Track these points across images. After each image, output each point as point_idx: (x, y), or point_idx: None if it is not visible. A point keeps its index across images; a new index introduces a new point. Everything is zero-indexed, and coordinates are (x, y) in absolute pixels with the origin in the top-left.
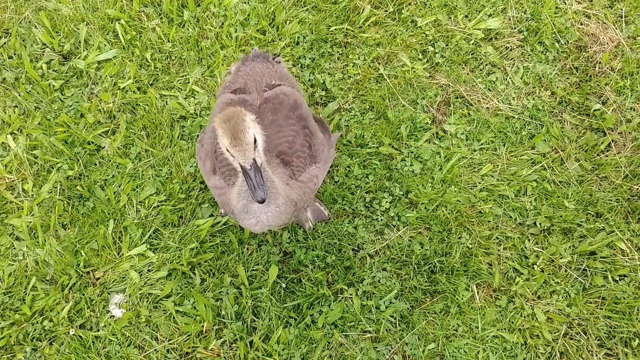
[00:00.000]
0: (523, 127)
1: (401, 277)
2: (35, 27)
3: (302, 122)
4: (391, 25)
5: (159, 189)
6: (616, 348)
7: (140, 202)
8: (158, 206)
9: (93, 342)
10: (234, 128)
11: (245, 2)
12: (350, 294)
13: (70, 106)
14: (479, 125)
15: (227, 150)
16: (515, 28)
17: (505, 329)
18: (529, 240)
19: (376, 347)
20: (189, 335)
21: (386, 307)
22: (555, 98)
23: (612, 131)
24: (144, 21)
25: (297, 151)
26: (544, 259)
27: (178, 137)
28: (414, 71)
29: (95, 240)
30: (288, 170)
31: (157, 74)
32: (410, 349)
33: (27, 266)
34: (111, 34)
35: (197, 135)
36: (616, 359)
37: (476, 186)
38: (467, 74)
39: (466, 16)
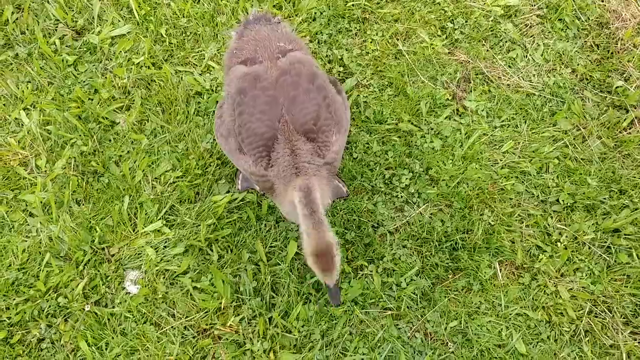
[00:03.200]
0: (544, 104)
1: (422, 254)
2: (48, 2)
3: (323, 92)
4: (409, 1)
5: (175, 165)
6: None
7: (155, 178)
8: (174, 182)
9: (108, 318)
10: (327, 264)
11: None
12: (371, 271)
13: (84, 82)
14: (499, 102)
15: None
16: (535, 5)
17: (528, 306)
18: (551, 217)
19: (397, 325)
20: (206, 312)
21: (407, 284)
22: (576, 75)
23: (635, 108)
24: None
25: (322, 126)
26: (567, 236)
27: (194, 113)
28: (433, 47)
29: (110, 217)
30: (315, 146)
31: (172, 50)
32: (432, 327)
33: (41, 242)
34: (125, 9)
35: (213, 111)
36: None
37: (497, 163)
38: (487, 50)
39: None
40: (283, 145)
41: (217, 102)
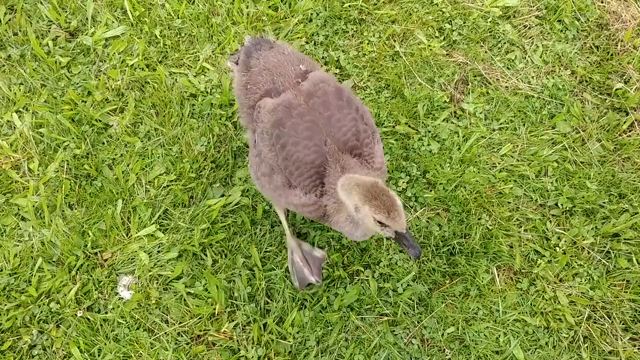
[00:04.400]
0: (543, 106)
1: (419, 259)
2: (41, 3)
3: (354, 104)
4: (407, 2)
5: (169, 168)
6: None
7: (149, 181)
8: (168, 186)
9: (101, 324)
10: (387, 203)
11: None
12: (367, 276)
13: (78, 84)
14: (498, 104)
15: (380, 223)
16: (533, 6)
17: (526, 312)
18: (550, 221)
19: (394, 331)
20: (200, 318)
21: (404, 290)
22: (576, 77)
23: (635, 110)
24: None
25: (364, 139)
26: (566, 240)
27: (188, 115)
28: (431, 49)
29: (103, 221)
30: (363, 161)
31: (167, 51)
32: (429, 333)
33: (33, 247)
34: (119, 10)
35: (208, 113)
36: None
37: (496, 166)
38: (485, 52)
39: None
40: (334, 168)
41: (211, 104)
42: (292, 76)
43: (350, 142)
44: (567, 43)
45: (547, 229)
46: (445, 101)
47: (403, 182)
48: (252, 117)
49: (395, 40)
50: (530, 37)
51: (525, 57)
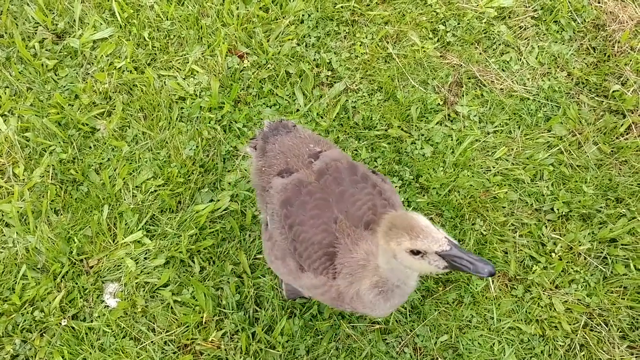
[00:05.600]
0: (539, 109)
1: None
2: (28, 4)
3: (370, 180)
4: (400, 3)
5: (157, 173)
6: (639, 340)
7: (136, 186)
8: (155, 191)
9: (86, 333)
10: (403, 225)
11: None
12: None
13: (64, 87)
14: (492, 107)
15: (413, 252)
16: (529, 6)
17: (521, 319)
18: (546, 226)
19: (385, 339)
20: (187, 327)
21: None
22: (572, 79)
23: (632, 113)
24: None
25: (382, 214)
26: (562, 246)
27: (177, 118)
28: (424, 51)
29: (89, 227)
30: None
31: (155, 54)
32: (422, 341)
33: (17, 254)
34: (107, 12)
35: (197, 117)
36: (639, 351)
37: (490, 170)
38: (480, 53)
39: None
40: (344, 245)
41: (200, 107)
42: (304, 156)
43: (366, 216)
44: (563, 44)
45: (542, 234)
46: (439, 104)
47: (395, 187)
48: (264, 198)
49: (388, 42)
50: (525, 38)
51: (520, 59)
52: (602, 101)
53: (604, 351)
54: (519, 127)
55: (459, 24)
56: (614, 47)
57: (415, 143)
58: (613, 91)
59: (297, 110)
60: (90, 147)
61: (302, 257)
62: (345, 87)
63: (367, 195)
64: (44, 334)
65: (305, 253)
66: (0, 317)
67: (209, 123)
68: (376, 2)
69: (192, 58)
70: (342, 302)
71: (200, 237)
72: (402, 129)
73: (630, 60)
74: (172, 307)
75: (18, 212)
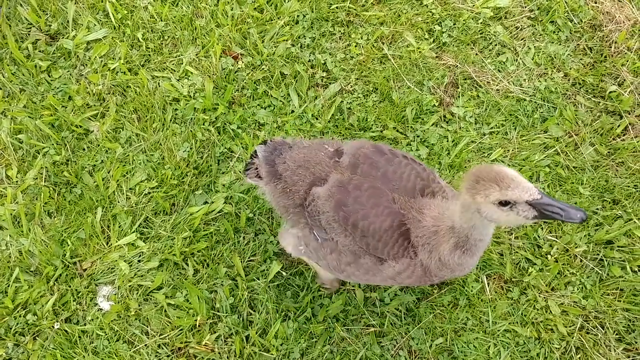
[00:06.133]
0: (535, 110)
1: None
2: (21, 5)
3: (399, 153)
4: (395, 3)
5: (150, 175)
6: (636, 342)
7: (130, 188)
8: (149, 193)
9: (79, 336)
10: (490, 177)
11: None
12: (353, 286)
13: (58, 88)
14: (488, 108)
15: (502, 204)
16: (525, 6)
17: (517, 322)
18: (542, 228)
19: (380, 342)
20: (181, 330)
21: (391, 300)
22: (569, 79)
23: (629, 114)
24: None
25: (428, 176)
26: (558, 248)
27: (171, 120)
28: (420, 51)
29: (83, 229)
30: (438, 197)
31: (149, 55)
32: (417, 344)
33: (10, 256)
34: (101, 13)
35: (191, 118)
36: (636, 354)
37: None
38: (476, 54)
39: None
40: (413, 217)
41: (195, 108)
42: (327, 160)
43: (418, 184)
44: (559, 45)
45: (538, 237)
46: (435, 105)
47: None
48: (303, 214)
49: (383, 43)
50: (522, 39)
51: (516, 59)
52: (599, 102)
53: (600, 354)
54: (515, 128)
55: (454, 24)
56: (610, 47)
57: (410, 144)
58: (610, 92)
59: (292, 111)
60: (83, 149)
61: (378, 249)
62: (341, 88)
63: (407, 166)
64: (36, 337)
65: (380, 243)
66: None
67: (203, 124)
68: (371, 3)
69: (186, 59)
70: (429, 277)
71: (194, 239)
72: (397, 130)
73: (627, 61)
74: (165, 310)
75: (11, 214)
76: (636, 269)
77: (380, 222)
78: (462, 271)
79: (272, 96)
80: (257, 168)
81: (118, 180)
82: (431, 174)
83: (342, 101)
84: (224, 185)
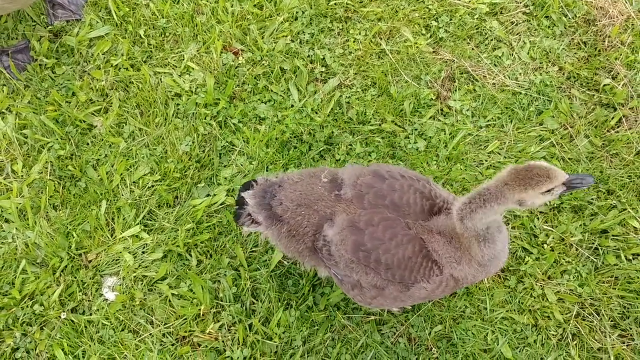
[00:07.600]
0: (530, 103)
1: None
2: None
3: (396, 171)
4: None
5: (154, 169)
6: (630, 329)
7: (134, 182)
8: (152, 186)
9: (85, 326)
10: (534, 171)
11: None
12: None
13: (61, 84)
14: (485, 102)
15: (548, 191)
16: (520, 2)
17: (514, 310)
18: (538, 218)
19: (380, 330)
20: (185, 319)
21: None
22: (563, 73)
23: (623, 106)
24: None
25: (429, 192)
26: (554, 237)
27: (173, 115)
28: (417, 46)
29: (88, 222)
30: (446, 212)
31: (151, 51)
32: (416, 331)
33: (16, 249)
34: (103, 10)
35: (192, 113)
36: (630, 339)
37: (483, 164)
38: (472, 49)
39: None
40: (431, 239)
41: (196, 103)
42: (326, 194)
43: (425, 206)
44: (554, 39)
45: (534, 226)
46: (432, 99)
47: None
48: (317, 255)
49: (381, 38)
50: (517, 34)
51: (512, 54)
52: (593, 95)
53: (595, 340)
54: (511, 121)
55: (451, 20)
56: (604, 41)
57: (408, 137)
58: (604, 85)
59: (292, 105)
60: (87, 144)
61: (405, 277)
62: (339, 83)
63: (410, 188)
64: (43, 327)
65: (406, 271)
66: (1, 311)
67: (205, 119)
68: None
69: (188, 55)
70: (464, 282)
71: (197, 231)
72: (395, 124)
73: (621, 55)
74: (170, 300)
75: (17, 208)
76: (630, 257)
77: (403, 251)
78: (500, 259)
79: (272, 91)
80: (249, 214)
81: (122, 174)
82: (429, 185)
83: (341, 95)
84: (225, 178)
